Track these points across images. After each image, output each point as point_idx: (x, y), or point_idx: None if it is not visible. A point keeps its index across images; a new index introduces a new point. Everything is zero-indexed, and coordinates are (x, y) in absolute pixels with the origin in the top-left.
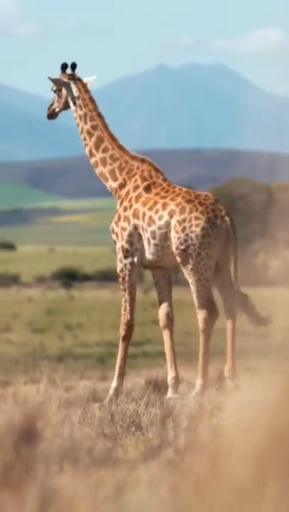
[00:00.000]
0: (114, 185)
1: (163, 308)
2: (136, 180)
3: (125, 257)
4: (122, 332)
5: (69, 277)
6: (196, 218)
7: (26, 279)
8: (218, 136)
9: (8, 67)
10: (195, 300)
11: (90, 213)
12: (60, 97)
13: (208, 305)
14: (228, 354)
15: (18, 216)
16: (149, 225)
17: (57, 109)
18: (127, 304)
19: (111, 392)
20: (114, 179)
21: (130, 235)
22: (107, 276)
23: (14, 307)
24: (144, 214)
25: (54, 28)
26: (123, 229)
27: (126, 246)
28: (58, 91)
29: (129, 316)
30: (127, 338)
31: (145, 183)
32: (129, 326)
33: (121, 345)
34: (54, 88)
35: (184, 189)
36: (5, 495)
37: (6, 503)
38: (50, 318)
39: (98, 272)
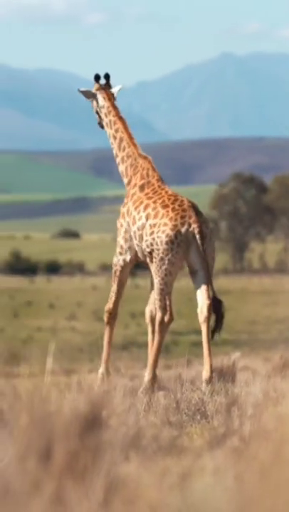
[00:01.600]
0: (125, 181)
1: (149, 305)
2: (136, 178)
3: (120, 253)
4: (105, 319)
5: (134, 265)
6: (164, 224)
7: (91, 267)
8: (282, 124)
9: (75, 55)
10: (155, 301)
11: None
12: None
13: (164, 308)
14: (205, 355)
15: (82, 204)
16: (132, 224)
17: (98, 120)
18: (113, 295)
19: (99, 376)
20: (126, 176)
21: (125, 231)
22: None
23: (79, 295)
24: (131, 213)
25: (121, 16)
26: (121, 225)
27: (121, 242)
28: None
29: (111, 306)
30: (108, 324)
31: (141, 182)
32: (110, 314)
33: (105, 331)
34: (85, 99)
35: (169, 192)
36: (70, 483)
37: (71, 491)
38: None
39: None
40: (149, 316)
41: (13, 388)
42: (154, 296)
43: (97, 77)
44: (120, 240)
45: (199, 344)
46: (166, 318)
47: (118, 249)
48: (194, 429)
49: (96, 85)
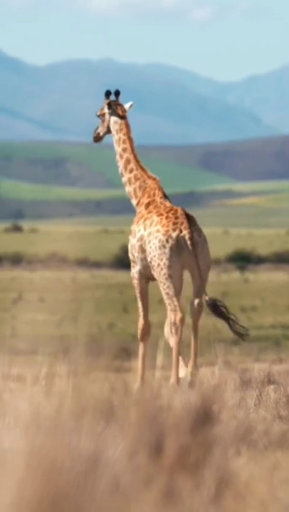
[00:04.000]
0: (135, 202)
1: (166, 326)
2: (144, 198)
3: (132, 266)
4: (138, 336)
5: (243, 260)
6: (157, 231)
7: None
8: None
9: (183, 51)
10: (167, 307)
11: (265, 195)
12: (103, 121)
13: (174, 310)
14: (192, 352)
15: (192, 199)
16: (133, 237)
17: (101, 133)
18: (140, 311)
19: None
20: (135, 197)
21: (132, 246)
22: (282, 259)
23: (187, 290)
24: (133, 228)
25: (230, 10)
26: (130, 242)
27: (131, 257)
28: (101, 116)
29: (143, 322)
30: (143, 341)
31: (147, 201)
32: (144, 330)
33: (140, 348)
34: (98, 113)
35: (168, 205)
36: (182, 477)
37: (182, 485)
38: (225, 301)
39: (273, 254)
40: (167, 335)
41: (124, 383)
42: (164, 301)
43: (108, 94)
44: (130, 256)
45: None
46: (177, 319)
47: (132, 264)
48: None
49: (107, 101)
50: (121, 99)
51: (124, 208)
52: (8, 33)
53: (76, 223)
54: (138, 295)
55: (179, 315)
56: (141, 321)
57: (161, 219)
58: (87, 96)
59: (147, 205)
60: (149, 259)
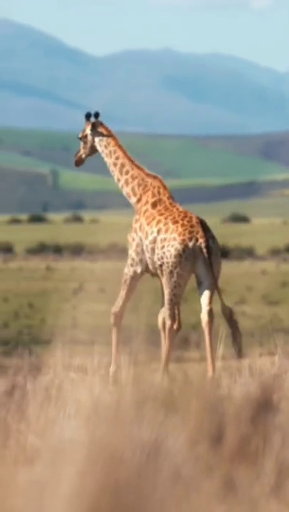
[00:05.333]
0: (134, 200)
1: (161, 314)
2: (148, 196)
3: (131, 265)
4: (111, 320)
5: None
6: (173, 239)
7: (260, 251)
8: None
9: (242, 40)
10: (164, 310)
11: None
12: (85, 143)
13: (173, 318)
14: (209, 358)
15: (252, 189)
16: (145, 238)
17: (83, 155)
18: (120, 300)
19: (111, 374)
20: (135, 195)
21: (137, 245)
22: None
23: (248, 280)
24: (144, 228)
25: None
26: (133, 239)
27: (133, 255)
28: (83, 138)
29: (118, 309)
30: (116, 326)
31: (153, 200)
32: (116, 316)
33: (113, 331)
34: (79, 136)
35: (180, 209)
36: (242, 467)
37: (243, 475)
38: (285, 291)
39: None
40: (161, 323)
41: (184, 373)
42: (165, 305)
43: (88, 116)
44: (132, 253)
45: None
46: (175, 327)
47: (129, 261)
48: None
49: (88, 122)
50: (180, 89)
51: (184, 198)
52: (67, 24)
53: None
54: (124, 290)
55: (176, 325)
56: (116, 308)
57: (177, 226)
58: (146, 86)
59: (154, 204)
60: (159, 263)
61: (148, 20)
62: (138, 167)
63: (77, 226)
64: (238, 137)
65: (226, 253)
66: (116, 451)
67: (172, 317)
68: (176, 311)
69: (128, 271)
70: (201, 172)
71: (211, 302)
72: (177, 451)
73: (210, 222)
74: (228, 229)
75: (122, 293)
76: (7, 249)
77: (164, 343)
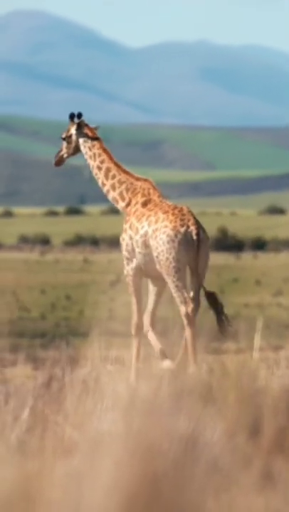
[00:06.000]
0: (123, 204)
1: (145, 316)
2: (137, 198)
3: (127, 264)
4: (132, 331)
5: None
6: (164, 226)
7: None
8: None
9: (279, 32)
10: (176, 300)
11: None
12: (69, 143)
13: (185, 302)
14: (190, 349)
15: (288, 181)
16: (135, 234)
17: (65, 155)
18: (134, 307)
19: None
20: (123, 199)
21: (127, 244)
22: None
23: (285, 272)
24: (134, 225)
25: None
26: (122, 239)
27: (125, 254)
28: (67, 138)
29: (136, 319)
30: (137, 336)
31: (143, 199)
32: (138, 326)
33: (134, 343)
34: (63, 136)
35: (169, 204)
36: (280, 458)
37: (281, 466)
38: None
39: None
40: (146, 326)
41: (222, 365)
42: (173, 294)
43: (72, 116)
44: (124, 253)
45: None
46: (189, 310)
47: (125, 261)
48: None
49: (72, 122)
50: (216, 81)
51: (221, 190)
52: (104, 15)
53: None
54: (132, 292)
55: (190, 306)
56: (135, 318)
57: (168, 215)
58: (183, 78)
59: (144, 203)
60: (155, 254)
61: (184, 12)
62: (125, 172)
63: (114, 218)
64: (275, 129)
65: (262, 245)
66: (154, 443)
67: (184, 302)
68: (186, 294)
69: (127, 271)
70: (238, 164)
71: (196, 292)
72: (215, 443)
73: (246, 214)
74: (265, 221)
75: (133, 299)
76: (44, 241)
77: (186, 331)
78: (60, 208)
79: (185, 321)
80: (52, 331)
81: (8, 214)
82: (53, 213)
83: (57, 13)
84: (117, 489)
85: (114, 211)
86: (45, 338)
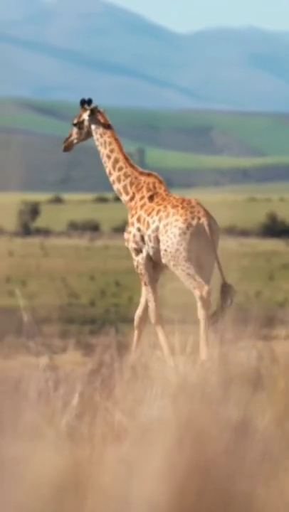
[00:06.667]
0: (126, 198)
1: (137, 312)
2: (142, 192)
3: (136, 254)
4: (152, 319)
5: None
6: (176, 220)
7: None
8: None
9: None
10: (189, 287)
11: None
12: (81, 128)
13: (198, 286)
14: (202, 342)
15: None
16: (146, 228)
17: (75, 141)
18: (151, 296)
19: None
20: (126, 193)
21: (134, 236)
22: None
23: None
24: (144, 219)
25: None
26: (129, 232)
27: (134, 246)
28: (79, 123)
29: (154, 306)
30: (159, 322)
31: (149, 193)
32: (157, 314)
33: (158, 331)
34: (75, 122)
35: (177, 197)
36: None
37: None
38: None
39: None
40: (137, 321)
41: (271, 351)
42: (185, 283)
43: (82, 102)
44: (132, 245)
45: None
46: (204, 292)
47: (133, 254)
48: None
49: (83, 109)
50: (266, 67)
51: (271, 176)
52: (153, 1)
53: (223, 192)
54: (147, 281)
55: (205, 288)
56: (152, 306)
57: (178, 209)
58: (233, 65)
59: (151, 197)
60: (164, 248)
61: None
62: (131, 165)
63: None
64: None
65: None
66: (203, 430)
67: (198, 286)
68: (199, 279)
69: (137, 261)
70: (287, 150)
71: (209, 282)
72: (264, 430)
73: None
74: None
75: (148, 289)
76: (93, 227)
77: (200, 314)
78: (109, 195)
79: (199, 303)
80: (101, 317)
81: (58, 200)
82: (102, 200)
83: (107, 0)
84: (167, 476)
85: None
86: (95, 324)
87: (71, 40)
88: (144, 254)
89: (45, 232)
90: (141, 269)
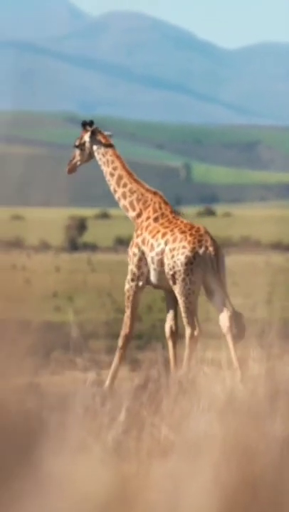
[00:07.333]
0: (133, 214)
1: (168, 322)
2: (149, 212)
3: (132, 279)
4: (120, 343)
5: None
6: (183, 247)
7: None
8: None
9: None
10: (183, 320)
11: None
12: (83, 150)
13: (193, 324)
14: (235, 363)
15: None
16: (150, 250)
17: (78, 163)
18: (128, 320)
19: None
20: (133, 209)
21: (139, 259)
22: None
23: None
24: (148, 241)
25: None
26: (134, 254)
27: (134, 270)
28: (81, 145)
29: (127, 330)
30: (123, 348)
31: (155, 215)
32: (127, 338)
33: (118, 353)
34: (76, 144)
35: (184, 221)
36: None
37: None
38: None
39: None
40: (168, 332)
41: None
42: (182, 313)
43: (84, 124)
44: (133, 268)
45: None
46: (195, 333)
47: (130, 276)
48: None
49: (85, 131)
50: None
51: None
52: (199, 17)
53: (269, 207)
54: (129, 308)
55: (197, 329)
56: (126, 329)
57: (186, 236)
58: (279, 80)
59: (156, 218)
60: (171, 273)
61: (279, 13)
62: (136, 181)
63: (210, 219)
64: None
65: None
66: (250, 444)
67: (192, 324)
68: (195, 318)
69: (130, 287)
70: None
71: (229, 309)
72: None
73: None
74: None
75: (128, 312)
76: None
77: (186, 352)
78: None
79: (187, 342)
80: (148, 332)
81: (105, 216)
82: None
83: (152, 15)
84: (214, 491)
85: (209, 212)
86: (141, 339)
87: (118, 55)
88: (139, 282)
89: (92, 248)
90: (130, 294)
